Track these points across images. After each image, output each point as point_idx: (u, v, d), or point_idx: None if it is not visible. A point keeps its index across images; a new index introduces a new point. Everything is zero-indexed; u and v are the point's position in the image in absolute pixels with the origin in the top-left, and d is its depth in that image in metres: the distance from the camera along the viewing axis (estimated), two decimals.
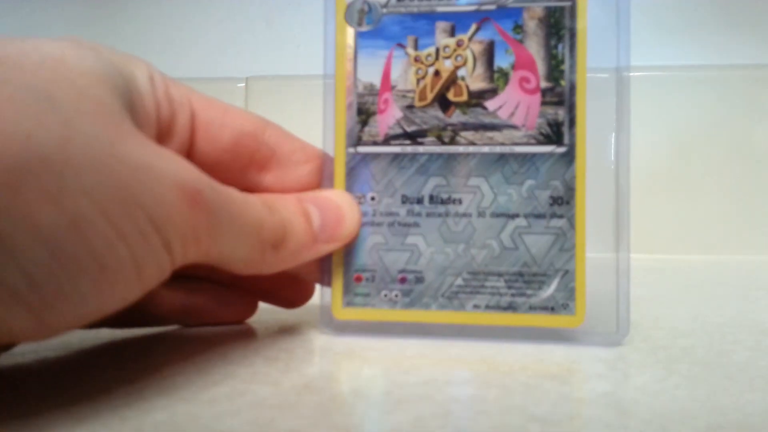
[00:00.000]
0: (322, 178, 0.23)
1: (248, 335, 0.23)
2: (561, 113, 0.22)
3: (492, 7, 0.22)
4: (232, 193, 0.18)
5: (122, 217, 0.14)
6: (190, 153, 0.21)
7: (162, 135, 0.19)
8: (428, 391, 0.17)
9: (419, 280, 0.23)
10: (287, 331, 0.24)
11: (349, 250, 0.23)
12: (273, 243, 0.19)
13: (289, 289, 0.25)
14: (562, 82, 0.22)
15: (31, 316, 0.13)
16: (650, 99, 0.47)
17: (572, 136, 0.22)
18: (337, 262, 0.23)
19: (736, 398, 0.16)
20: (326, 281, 0.23)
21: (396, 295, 0.23)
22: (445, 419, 0.15)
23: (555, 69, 0.22)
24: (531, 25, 0.22)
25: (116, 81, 0.16)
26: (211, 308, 0.24)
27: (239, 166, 0.22)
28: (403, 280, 0.23)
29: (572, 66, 0.22)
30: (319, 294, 0.23)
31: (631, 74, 0.22)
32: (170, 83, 0.20)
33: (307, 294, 0.25)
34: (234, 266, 0.19)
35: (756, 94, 0.46)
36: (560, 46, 0.22)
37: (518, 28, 0.22)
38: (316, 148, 0.23)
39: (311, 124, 0.24)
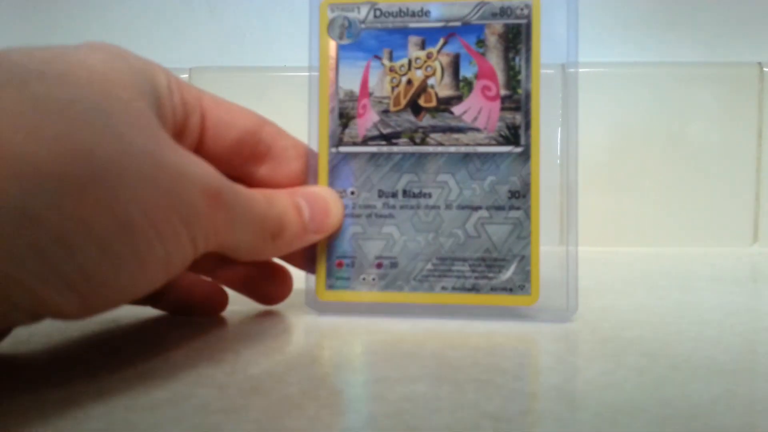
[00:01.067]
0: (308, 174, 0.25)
1: (239, 317, 0.26)
2: (518, 118, 0.25)
3: (458, 23, 0.25)
4: (242, 189, 0.21)
5: (162, 220, 0.17)
6: (199, 150, 0.23)
7: (176, 136, 0.21)
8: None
9: (394, 265, 0.25)
10: (273, 314, 0.26)
11: (331, 239, 0.25)
12: (272, 233, 0.22)
13: (270, 283, 0.26)
14: (519, 91, 0.25)
15: (79, 299, 0.16)
16: (591, 95, 0.50)
17: (528, 137, 0.25)
18: (321, 250, 0.25)
19: (682, 389, 0.17)
20: (310, 268, 0.26)
21: (373, 279, 0.25)
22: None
23: (513, 79, 0.25)
24: (492, 40, 0.25)
25: (148, 92, 0.19)
26: (193, 297, 0.25)
27: (240, 161, 0.24)
28: (379, 266, 0.25)
29: (528, 76, 0.25)
30: (305, 279, 0.26)
31: (572, 70, 0.25)
32: (183, 87, 0.22)
33: (285, 290, 0.26)
34: (240, 254, 0.21)
35: (691, 92, 0.50)
36: (517, 59, 0.25)
37: (481, 42, 0.25)
38: (306, 145, 0.25)
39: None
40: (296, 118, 0.27)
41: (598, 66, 0.51)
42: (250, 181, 0.25)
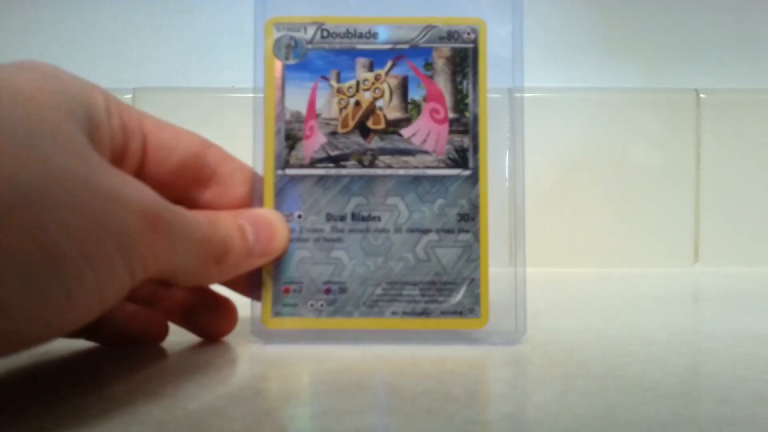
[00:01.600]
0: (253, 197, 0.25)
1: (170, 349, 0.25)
2: (466, 141, 0.25)
3: (406, 46, 0.25)
4: (183, 212, 0.20)
5: (94, 247, 0.16)
6: (139, 174, 0.22)
7: (115, 160, 0.20)
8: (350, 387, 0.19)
9: (343, 290, 0.25)
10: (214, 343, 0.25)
11: (278, 264, 0.25)
12: (216, 257, 0.21)
13: (213, 316, 0.25)
14: (467, 114, 0.25)
15: None
16: (537, 119, 0.51)
17: (476, 160, 0.25)
18: (267, 276, 0.25)
19: (632, 413, 0.17)
20: (256, 295, 0.25)
21: (321, 305, 0.25)
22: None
23: (461, 102, 0.25)
24: (440, 63, 0.25)
25: (81, 113, 0.18)
26: (130, 328, 0.24)
27: (183, 185, 0.23)
28: (328, 291, 0.25)
29: (475, 99, 0.25)
30: (250, 307, 0.25)
31: (519, 95, 0.25)
32: (124, 110, 0.21)
33: (229, 324, 0.25)
34: (182, 279, 0.20)
35: (632, 116, 0.52)
36: (465, 82, 0.25)
37: (429, 65, 0.25)
38: (252, 168, 0.25)
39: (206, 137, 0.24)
40: (244, 141, 0.26)
41: (544, 91, 0.52)
42: (194, 206, 0.24)
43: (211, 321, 0.25)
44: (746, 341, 0.26)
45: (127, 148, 0.21)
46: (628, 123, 0.52)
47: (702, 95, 0.51)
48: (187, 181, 0.23)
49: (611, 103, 0.52)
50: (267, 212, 0.24)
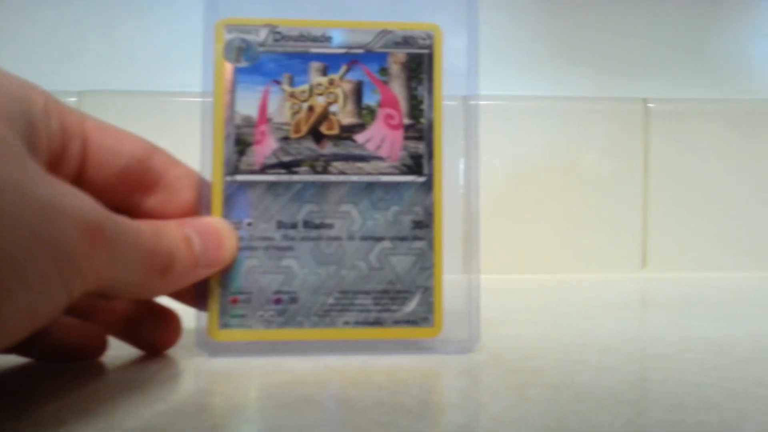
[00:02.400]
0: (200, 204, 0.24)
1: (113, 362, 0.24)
2: (421, 147, 0.25)
3: (360, 51, 0.25)
4: (127, 222, 0.19)
5: (27, 261, 0.14)
6: (79, 179, 0.21)
7: (52, 164, 0.19)
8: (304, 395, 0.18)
9: (293, 300, 0.24)
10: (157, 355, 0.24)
11: (226, 273, 0.24)
12: (161, 269, 0.20)
13: (155, 328, 0.24)
14: (422, 120, 0.25)
15: None
16: (490, 126, 0.51)
17: (430, 167, 0.25)
18: (214, 286, 0.24)
19: (586, 422, 0.17)
20: (201, 305, 0.24)
21: (271, 315, 0.24)
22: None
23: (416, 108, 0.25)
24: (395, 68, 0.25)
25: (16, 117, 0.16)
26: (65, 342, 0.22)
27: (125, 190, 0.22)
28: (278, 301, 0.24)
29: (430, 105, 0.25)
30: (195, 317, 0.24)
31: (474, 102, 0.25)
32: (64, 111, 0.20)
33: (172, 336, 0.24)
34: (124, 293, 0.19)
35: (582, 125, 0.52)
36: (420, 88, 0.25)
37: (384, 70, 0.25)
38: (200, 174, 0.24)
39: (155, 143, 0.23)
40: (194, 146, 0.25)
41: (496, 99, 0.52)
42: (138, 213, 0.23)
43: (153, 333, 0.24)
44: (695, 346, 0.26)
45: (65, 151, 0.20)
46: (578, 131, 0.53)
47: (650, 104, 0.53)
48: (130, 187, 0.22)
49: (562, 111, 0.52)
50: (214, 221, 0.23)
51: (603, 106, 0.53)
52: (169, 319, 0.24)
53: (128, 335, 0.24)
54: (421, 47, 0.25)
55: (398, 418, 0.17)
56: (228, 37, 0.24)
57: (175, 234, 0.21)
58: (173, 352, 0.25)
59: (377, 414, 0.18)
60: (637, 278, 0.51)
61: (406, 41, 0.25)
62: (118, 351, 0.24)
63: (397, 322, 0.24)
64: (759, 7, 0.55)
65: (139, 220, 0.20)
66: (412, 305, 0.24)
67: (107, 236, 0.17)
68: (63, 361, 0.23)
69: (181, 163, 0.24)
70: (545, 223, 0.52)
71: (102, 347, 0.23)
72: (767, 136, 0.53)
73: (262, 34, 0.24)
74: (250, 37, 0.24)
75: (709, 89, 0.55)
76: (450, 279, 0.25)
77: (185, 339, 0.25)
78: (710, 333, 0.29)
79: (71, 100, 0.48)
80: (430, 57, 0.25)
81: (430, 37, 0.25)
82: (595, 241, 0.53)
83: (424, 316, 0.24)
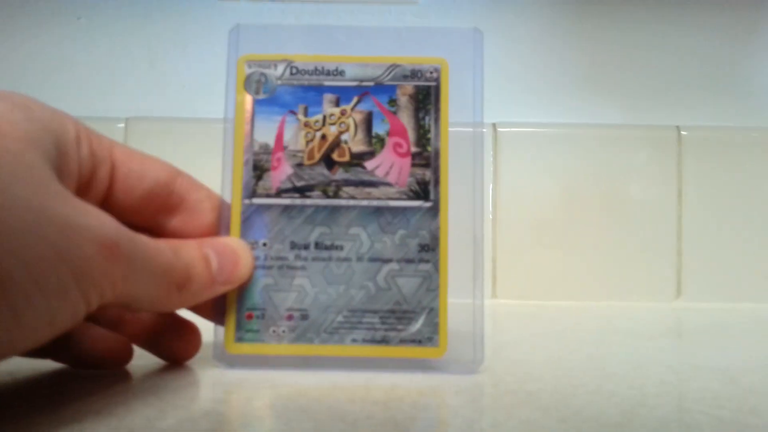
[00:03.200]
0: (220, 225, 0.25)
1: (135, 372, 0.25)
2: (428, 174, 0.26)
3: (371, 83, 0.26)
4: (145, 240, 0.20)
5: (46, 273, 0.16)
6: (107, 201, 0.23)
7: (82, 187, 0.21)
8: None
9: (304, 317, 0.25)
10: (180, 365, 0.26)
11: (242, 290, 0.25)
12: (178, 284, 0.22)
13: (176, 340, 0.26)
14: (429, 148, 0.26)
15: None
16: (526, 155, 0.52)
17: (437, 193, 0.26)
18: (231, 302, 0.25)
19: None
20: (219, 320, 0.25)
21: (283, 331, 0.25)
22: None
23: (423, 137, 0.26)
24: (403, 100, 0.26)
25: (46, 143, 0.19)
26: (94, 351, 0.24)
27: (150, 212, 0.24)
28: (290, 318, 0.25)
29: (437, 135, 0.26)
30: (214, 331, 0.26)
31: (480, 130, 0.26)
32: (94, 138, 0.22)
33: (192, 347, 0.26)
34: (143, 306, 0.21)
35: (615, 152, 0.52)
36: (427, 118, 0.26)
37: (393, 101, 0.26)
38: (220, 197, 0.26)
39: (193, 167, 0.26)
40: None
41: (528, 126, 0.53)
42: (162, 233, 0.24)
43: (174, 345, 0.26)
44: (703, 375, 0.26)
45: (94, 176, 0.22)
46: (611, 159, 0.52)
47: (683, 132, 0.52)
48: (155, 209, 0.24)
49: (594, 139, 0.53)
50: (232, 241, 0.25)
51: (636, 133, 0.53)
52: (190, 332, 0.26)
53: (151, 345, 0.26)
54: (428, 80, 0.26)
55: (384, 430, 0.18)
56: (248, 71, 0.26)
57: (194, 252, 0.23)
58: (193, 363, 0.26)
59: (367, 427, 0.19)
60: (671, 308, 0.50)
61: (414, 74, 0.26)
62: (144, 361, 0.26)
63: (403, 341, 0.25)
64: None
65: (159, 239, 0.22)
66: (417, 325, 0.25)
67: (123, 252, 0.19)
68: (92, 368, 0.24)
69: (203, 186, 0.25)
70: (578, 251, 0.52)
71: (128, 356, 0.25)
72: None
73: (280, 69, 0.26)
74: (268, 72, 0.26)
75: (743, 116, 0.54)
76: (458, 303, 0.26)
77: (205, 351, 0.26)
78: (725, 363, 0.29)
79: (119, 126, 0.52)
80: (437, 89, 0.26)
81: (437, 70, 0.26)
82: (628, 270, 0.52)
83: (429, 336, 0.25)
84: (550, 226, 0.52)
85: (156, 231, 0.24)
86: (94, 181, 0.22)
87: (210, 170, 0.26)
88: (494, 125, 0.50)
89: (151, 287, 0.21)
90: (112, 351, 0.25)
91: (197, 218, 0.25)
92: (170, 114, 0.53)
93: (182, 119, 0.53)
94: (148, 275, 0.20)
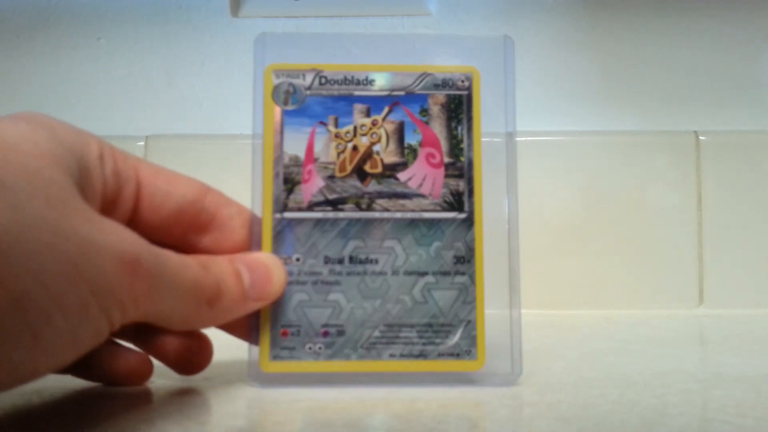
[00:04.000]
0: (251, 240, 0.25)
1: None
2: (461, 185, 0.25)
3: (402, 93, 0.26)
4: (170, 255, 0.20)
5: (65, 291, 0.16)
6: (134, 220, 0.22)
7: (107, 206, 0.21)
8: None
9: (340, 333, 0.25)
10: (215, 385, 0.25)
11: (275, 307, 0.25)
12: (208, 300, 0.21)
13: (195, 353, 0.25)
14: (462, 158, 0.26)
15: None
16: (544, 163, 0.52)
17: (471, 204, 0.25)
18: (265, 319, 0.25)
19: None
20: (253, 339, 0.25)
21: (319, 348, 0.25)
22: None
23: (456, 147, 0.26)
24: (435, 109, 0.26)
25: (68, 161, 0.18)
26: (115, 367, 0.23)
27: (180, 230, 0.23)
28: (325, 334, 0.25)
29: (470, 145, 0.26)
30: (248, 351, 0.25)
31: (513, 139, 0.26)
32: (119, 157, 0.21)
33: (205, 359, 0.25)
34: (172, 323, 0.21)
35: (633, 159, 0.52)
36: (459, 128, 0.26)
37: (424, 111, 0.26)
38: (251, 212, 0.25)
39: (213, 183, 0.25)
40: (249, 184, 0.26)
41: (547, 134, 0.52)
42: (194, 251, 0.24)
43: (194, 357, 0.24)
44: (726, 383, 0.26)
45: (119, 195, 0.22)
46: (630, 165, 0.52)
47: (701, 137, 0.52)
48: (185, 226, 0.24)
49: (612, 145, 0.52)
50: (263, 256, 0.24)
51: (654, 139, 0.52)
52: (204, 343, 0.25)
53: (162, 355, 0.24)
54: (459, 89, 0.26)
55: None
56: (276, 81, 0.26)
57: (225, 267, 0.22)
58: (229, 383, 0.25)
59: None
60: (694, 315, 0.50)
61: (446, 83, 0.26)
62: (171, 381, 0.25)
63: (441, 355, 0.25)
64: None
65: (189, 255, 0.22)
66: (455, 338, 0.25)
67: (145, 267, 0.18)
68: (113, 384, 0.24)
69: (234, 201, 0.25)
70: (598, 259, 0.51)
71: (148, 372, 0.24)
72: None
73: (309, 78, 0.26)
74: (297, 81, 0.26)
75: (761, 120, 0.53)
76: (494, 314, 0.25)
77: (239, 370, 0.26)
78: (748, 371, 0.28)
79: (140, 144, 0.52)
80: (469, 98, 0.26)
81: (468, 78, 0.26)
82: (650, 277, 0.51)
83: (467, 349, 0.25)
84: (570, 234, 0.51)
85: (188, 249, 0.24)
86: (119, 199, 0.22)
87: (230, 186, 0.26)
88: (504, 135, 0.50)
89: (178, 303, 0.20)
90: (133, 367, 0.24)
91: (229, 235, 0.25)
92: (189, 131, 0.54)
93: (201, 136, 0.53)
94: (174, 291, 0.20)
